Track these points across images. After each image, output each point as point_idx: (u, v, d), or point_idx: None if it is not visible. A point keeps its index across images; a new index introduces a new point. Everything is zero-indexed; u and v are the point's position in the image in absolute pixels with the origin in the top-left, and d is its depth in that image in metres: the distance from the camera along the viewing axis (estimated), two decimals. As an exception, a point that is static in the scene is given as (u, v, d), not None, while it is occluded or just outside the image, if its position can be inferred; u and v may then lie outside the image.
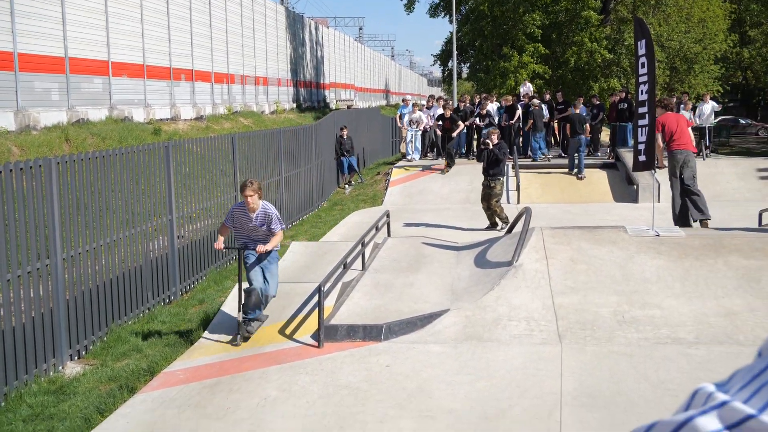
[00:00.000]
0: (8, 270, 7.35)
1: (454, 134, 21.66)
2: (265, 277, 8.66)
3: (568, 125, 22.28)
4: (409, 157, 23.78)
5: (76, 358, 8.49)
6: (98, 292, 9.01)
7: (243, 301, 8.48)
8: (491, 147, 14.63)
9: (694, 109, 21.66)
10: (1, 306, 7.21)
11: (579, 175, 20.32)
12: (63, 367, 8.18)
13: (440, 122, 22.42)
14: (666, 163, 12.57)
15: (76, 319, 8.51)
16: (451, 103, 27.26)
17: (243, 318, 8.48)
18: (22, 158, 14.49)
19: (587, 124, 21.01)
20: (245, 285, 8.63)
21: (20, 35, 17.97)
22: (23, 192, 7.68)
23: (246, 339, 8.51)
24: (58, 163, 8.31)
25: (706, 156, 20.21)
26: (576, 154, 20.53)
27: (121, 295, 9.52)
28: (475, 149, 24.05)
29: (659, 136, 12.21)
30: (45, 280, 8.01)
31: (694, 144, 12.73)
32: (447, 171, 20.95)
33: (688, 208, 12.49)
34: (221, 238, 8.82)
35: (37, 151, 15.99)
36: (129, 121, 22.56)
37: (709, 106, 21.47)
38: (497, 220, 14.91)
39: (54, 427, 6.64)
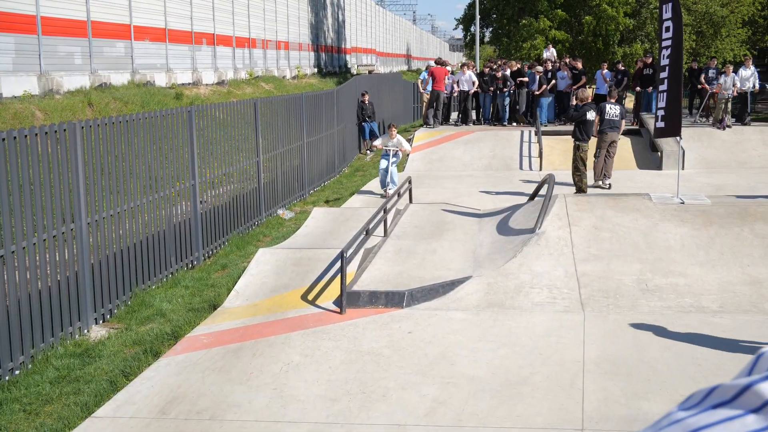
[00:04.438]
0: (34, 233, 7.41)
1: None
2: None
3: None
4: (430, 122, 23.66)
5: (100, 321, 8.57)
6: (122, 257, 9.07)
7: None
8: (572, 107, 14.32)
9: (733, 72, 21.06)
10: (27, 269, 7.28)
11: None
12: (88, 331, 8.26)
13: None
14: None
15: (100, 283, 8.58)
16: (474, 67, 27.00)
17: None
18: (46, 122, 14.56)
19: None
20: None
21: (42, -1, 17.96)
22: (48, 156, 7.71)
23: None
24: (83, 127, 8.33)
25: (728, 125, 19.89)
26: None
27: (144, 259, 9.59)
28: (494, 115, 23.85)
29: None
30: (70, 244, 8.07)
31: None
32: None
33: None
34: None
35: (60, 116, 16.05)
36: (151, 86, 22.56)
37: (749, 71, 20.97)
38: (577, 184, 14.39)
39: (80, 389, 6.73)
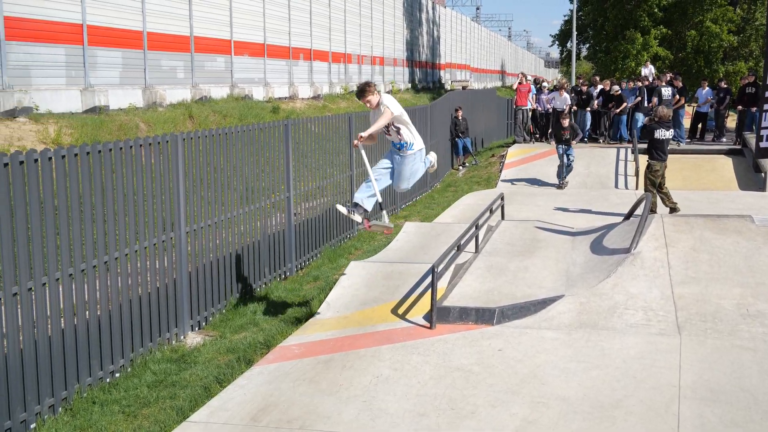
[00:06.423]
0: (136, 241, 7.67)
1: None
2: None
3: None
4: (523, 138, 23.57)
5: (196, 328, 8.80)
6: (218, 266, 9.30)
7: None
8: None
9: None
10: (129, 275, 7.54)
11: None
12: (184, 337, 8.49)
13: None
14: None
15: (197, 291, 8.81)
16: (568, 85, 26.69)
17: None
18: (150, 134, 15.07)
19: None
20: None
21: (149, 15, 18.64)
22: (151, 166, 7.98)
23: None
24: (184, 139, 8.59)
25: None
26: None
27: (238, 269, 9.79)
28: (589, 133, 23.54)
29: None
30: (170, 252, 8.32)
31: None
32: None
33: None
34: None
35: (162, 127, 16.59)
36: (249, 99, 23.09)
37: None
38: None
39: (176, 394, 6.92)
